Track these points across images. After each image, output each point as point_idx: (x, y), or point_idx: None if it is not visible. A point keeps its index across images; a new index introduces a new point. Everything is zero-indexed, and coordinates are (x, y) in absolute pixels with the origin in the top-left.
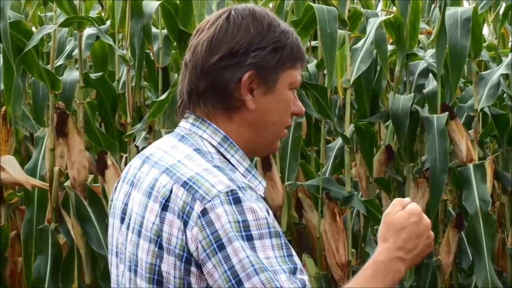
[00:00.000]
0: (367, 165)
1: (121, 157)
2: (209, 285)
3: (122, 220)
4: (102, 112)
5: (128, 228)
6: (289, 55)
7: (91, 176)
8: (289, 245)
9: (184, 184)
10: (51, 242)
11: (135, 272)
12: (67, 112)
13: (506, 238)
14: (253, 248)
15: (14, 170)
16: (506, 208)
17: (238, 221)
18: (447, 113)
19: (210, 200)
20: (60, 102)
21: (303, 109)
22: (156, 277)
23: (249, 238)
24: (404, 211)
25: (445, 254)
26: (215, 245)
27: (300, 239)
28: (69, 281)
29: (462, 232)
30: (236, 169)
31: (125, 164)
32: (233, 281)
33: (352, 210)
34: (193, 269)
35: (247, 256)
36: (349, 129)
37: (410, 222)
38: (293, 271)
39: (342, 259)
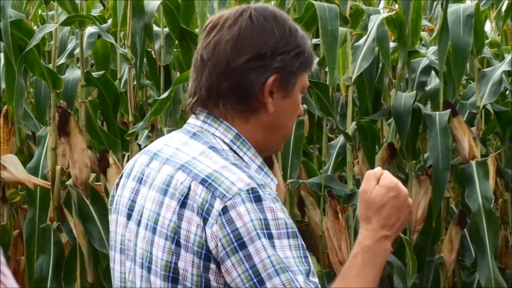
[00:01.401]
0: (369, 163)
1: (123, 155)
2: (226, 283)
3: (129, 216)
4: (104, 110)
5: (138, 224)
6: (306, 60)
7: (93, 175)
8: (305, 246)
9: (203, 182)
10: (53, 241)
11: (149, 269)
12: (69, 111)
13: (509, 235)
14: (273, 247)
15: (16, 169)
16: (509, 205)
17: (260, 219)
18: (449, 110)
19: (231, 198)
20: (61, 101)
21: (303, 110)
22: (171, 274)
23: (270, 237)
24: (381, 187)
25: (447, 252)
26: (235, 244)
27: (302, 237)
28: (72, 280)
29: (465, 230)
30: (249, 166)
31: (127, 162)
32: (254, 280)
33: (354, 208)
34: (212, 265)
35: (268, 256)
36: (351, 126)
37: (389, 197)
38: (308, 273)
39: (345, 257)
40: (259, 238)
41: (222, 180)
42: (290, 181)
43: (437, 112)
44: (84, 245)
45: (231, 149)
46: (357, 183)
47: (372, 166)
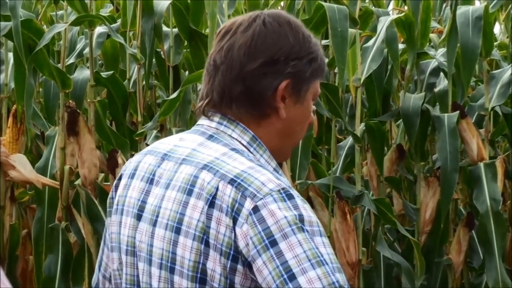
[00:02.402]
0: (378, 164)
1: (132, 155)
2: (252, 285)
3: (139, 217)
4: (113, 111)
5: (154, 225)
6: (318, 67)
7: (102, 175)
8: None
9: (232, 182)
10: (62, 240)
11: (171, 269)
12: (78, 110)
13: None
14: (311, 241)
15: (25, 169)
16: None
17: (295, 215)
18: (458, 112)
19: (262, 198)
20: (70, 101)
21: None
22: (199, 275)
23: (306, 232)
24: None
25: (455, 253)
26: (266, 241)
27: None
28: (80, 280)
29: (473, 231)
30: (265, 168)
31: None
32: (285, 276)
33: (363, 209)
34: (239, 267)
35: (305, 251)
36: (360, 128)
37: None
38: (342, 271)
39: (353, 258)
40: (294, 233)
41: (251, 180)
42: (298, 182)
43: (445, 114)
44: (93, 245)
45: (249, 150)
46: (366, 184)
47: (381, 168)
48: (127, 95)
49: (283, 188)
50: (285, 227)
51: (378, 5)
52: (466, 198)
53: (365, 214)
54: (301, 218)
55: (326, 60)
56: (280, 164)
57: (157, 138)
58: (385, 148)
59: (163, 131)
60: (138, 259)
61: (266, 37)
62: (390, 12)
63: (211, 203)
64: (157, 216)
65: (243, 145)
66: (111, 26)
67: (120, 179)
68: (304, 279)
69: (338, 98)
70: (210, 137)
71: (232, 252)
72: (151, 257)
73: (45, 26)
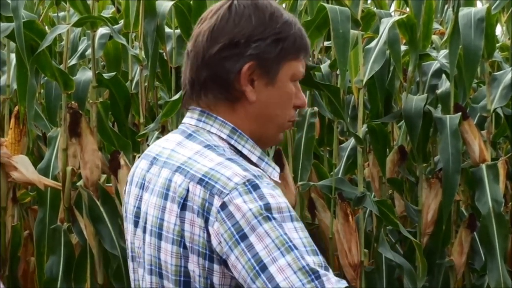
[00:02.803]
0: (380, 166)
1: (134, 157)
2: (232, 282)
3: (136, 223)
4: (115, 112)
5: (144, 231)
6: (291, 47)
7: (104, 176)
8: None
9: (200, 181)
10: (64, 242)
11: (160, 275)
12: (80, 112)
13: None
14: (279, 228)
15: (27, 170)
16: None
17: (260, 206)
18: (460, 113)
19: (228, 194)
20: (73, 102)
21: (306, 101)
22: (182, 278)
23: (273, 219)
24: None
25: (457, 255)
26: (236, 236)
27: (312, 239)
28: (82, 281)
29: (475, 233)
30: (249, 159)
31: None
32: (257, 268)
33: (365, 210)
34: (216, 266)
35: (273, 240)
36: (362, 129)
37: None
38: (317, 254)
39: (355, 260)
40: (261, 224)
41: (218, 177)
42: (300, 183)
43: (447, 115)
44: (95, 246)
45: (229, 143)
46: (368, 185)
47: (383, 169)
48: (129, 96)
49: (248, 180)
50: (252, 220)
51: (380, 7)
52: (467, 199)
53: (367, 216)
54: (267, 207)
55: (328, 62)
56: (282, 166)
57: (158, 139)
58: (387, 150)
59: (164, 133)
60: (138, 265)
61: (228, 20)
62: (392, 14)
63: (183, 206)
64: (145, 223)
65: (222, 139)
66: (114, 27)
67: (127, 185)
68: (274, 267)
69: (340, 99)
70: (189, 136)
71: (207, 252)
72: (144, 263)
73: (46, 27)
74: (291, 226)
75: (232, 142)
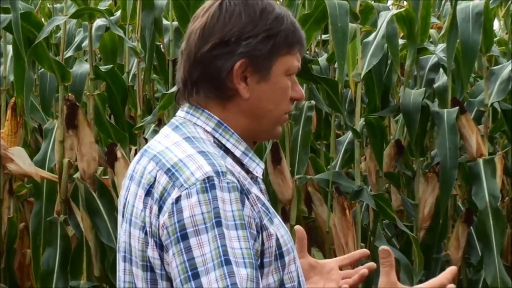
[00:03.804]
0: (377, 160)
1: (131, 149)
2: None
3: (123, 214)
4: (112, 104)
5: (126, 220)
6: (283, 42)
7: (101, 168)
8: (253, 238)
9: (168, 171)
10: (60, 234)
11: (130, 261)
12: (77, 104)
13: None
14: (221, 238)
15: (23, 162)
16: None
17: (210, 211)
18: (457, 108)
19: (187, 188)
20: (70, 94)
21: (303, 94)
22: (147, 263)
23: (219, 225)
24: None
25: (454, 249)
26: (178, 234)
27: (309, 233)
28: (78, 274)
29: (472, 228)
30: (232, 152)
31: (134, 156)
32: (189, 273)
33: (362, 204)
34: (165, 255)
35: (210, 251)
36: (359, 123)
37: None
38: (255, 267)
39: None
40: (206, 232)
41: (184, 170)
42: (297, 177)
43: (445, 110)
44: (91, 239)
45: (214, 137)
46: (365, 179)
47: (380, 163)
48: (126, 89)
49: (208, 178)
50: (200, 224)
51: (378, 0)
52: (464, 194)
53: (363, 209)
54: (216, 211)
55: (325, 56)
56: (279, 159)
57: (155, 132)
58: (384, 144)
59: (161, 125)
60: (118, 253)
61: (218, 19)
62: (390, 7)
63: (148, 192)
64: (126, 211)
65: (207, 131)
66: (110, 19)
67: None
68: (206, 279)
69: (338, 93)
70: (175, 128)
71: (158, 241)
72: (120, 251)
73: (43, 19)
74: (235, 234)
75: (217, 135)
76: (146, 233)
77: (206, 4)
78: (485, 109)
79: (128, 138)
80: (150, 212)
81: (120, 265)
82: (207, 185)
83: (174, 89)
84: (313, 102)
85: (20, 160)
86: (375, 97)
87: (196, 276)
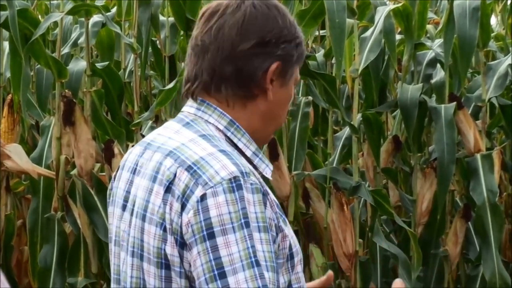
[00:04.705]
0: (375, 155)
1: (128, 146)
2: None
3: (124, 207)
4: (109, 101)
5: (132, 214)
6: (302, 52)
7: (98, 165)
8: (275, 241)
9: (189, 168)
10: (58, 231)
11: (141, 257)
12: (74, 100)
13: None
14: (249, 239)
15: (20, 159)
16: None
17: (239, 210)
18: (455, 103)
19: (212, 186)
20: (66, 90)
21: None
22: (163, 261)
23: (247, 226)
24: None
25: (452, 245)
26: (205, 232)
27: (307, 229)
28: (76, 270)
29: (470, 223)
30: (243, 152)
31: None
32: (215, 272)
33: (360, 200)
34: (185, 253)
35: (239, 251)
36: (357, 118)
37: None
38: (277, 270)
39: (349, 249)
40: (234, 232)
41: (207, 168)
42: (295, 173)
43: (442, 105)
44: (89, 236)
45: (225, 135)
46: (362, 175)
47: (377, 159)
48: (122, 85)
49: (234, 177)
50: (227, 223)
51: None
52: (462, 189)
53: (361, 205)
54: (244, 212)
55: (322, 51)
56: (276, 156)
57: (152, 128)
58: (382, 139)
59: (158, 122)
60: (121, 248)
61: (256, 18)
62: (387, 3)
63: (168, 188)
64: (133, 205)
65: (219, 129)
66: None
67: (117, 170)
68: (233, 279)
69: (335, 89)
70: (186, 124)
71: (179, 239)
72: (127, 245)
73: (40, 16)
74: (258, 237)
75: (229, 134)
76: (165, 230)
77: (228, 2)
78: (483, 104)
79: (125, 135)
80: (171, 209)
81: (128, 260)
82: (234, 184)
83: (171, 85)
84: (310, 97)
85: (17, 157)
86: (372, 93)
87: (222, 275)
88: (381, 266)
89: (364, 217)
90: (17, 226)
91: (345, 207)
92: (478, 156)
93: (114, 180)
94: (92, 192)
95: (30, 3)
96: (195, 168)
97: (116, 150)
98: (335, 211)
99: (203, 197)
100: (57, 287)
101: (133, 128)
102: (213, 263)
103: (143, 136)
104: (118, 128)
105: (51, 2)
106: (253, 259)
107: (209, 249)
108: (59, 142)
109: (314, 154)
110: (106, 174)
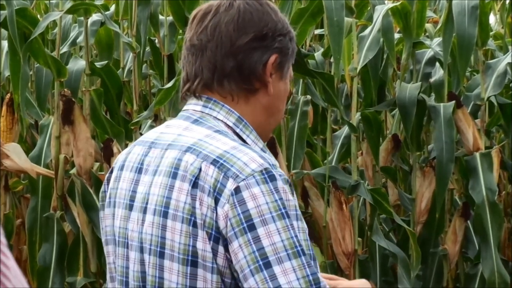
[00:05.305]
0: (374, 154)
1: (127, 145)
2: (232, 267)
3: (131, 207)
4: (108, 100)
5: (144, 212)
6: (295, 48)
7: (97, 164)
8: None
9: (214, 162)
10: (57, 230)
11: (161, 254)
12: (73, 99)
13: None
14: (291, 229)
15: (19, 158)
16: None
17: (276, 200)
18: (454, 102)
19: (244, 179)
20: (65, 89)
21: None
22: (190, 258)
23: (287, 216)
24: None
25: (451, 243)
26: (245, 225)
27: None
28: (75, 270)
29: (469, 222)
30: (249, 148)
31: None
32: (260, 263)
33: (359, 199)
34: (221, 248)
35: (282, 240)
36: (355, 117)
37: None
38: (314, 258)
39: (348, 248)
40: (274, 221)
41: (234, 160)
42: (294, 172)
43: (441, 104)
44: (88, 234)
45: (234, 132)
46: (361, 174)
47: (376, 157)
48: (121, 84)
49: (265, 169)
50: (266, 213)
51: None
52: (461, 188)
53: (360, 204)
54: (282, 202)
55: (321, 50)
56: (275, 154)
57: (151, 127)
58: (381, 138)
59: (157, 121)
60: (129, 249)
61: (251, 13)
62: (386, 1)
63: (194, 184)
64: (147, 203)
65: (228, 126)
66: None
67: (111, 172)
68: (279, 268)
69: (334, 87)
70: (195, 121)
71: (213, 233)
72: (141, 244)
73: (39, 15)
74: (296, 225)
75: (238, 130)
76: (194, 226)
77: (219, 2)
78: (482, 103)
79: (124, 134)
80: (201, 204)
81: (149, 260)
82: (266, 176)
83: (170, 84)
84: (309, 96)
85: (16, 156)
86: (371, 92)
87: (267, 265)
88: (380, 265)
89: (363, 216)
90: (16, 225)
91: (344, 206)
92: (477, 154)
93: (109, 182)
94: (91, 191)
95: (29, 2)
96: (221, 161)
97: (115, 149)
98: (334, 210)
99: (236, 190)
100: (56, 286)
101: (132, 127)
102: (256, 254)
103: (142, 135)
104: (117, 127)
105: (50, 1)
106: (298, 248)
107: (251, 240)
108: (58, 141)
109: (313, 153)
110: (105, 173)
